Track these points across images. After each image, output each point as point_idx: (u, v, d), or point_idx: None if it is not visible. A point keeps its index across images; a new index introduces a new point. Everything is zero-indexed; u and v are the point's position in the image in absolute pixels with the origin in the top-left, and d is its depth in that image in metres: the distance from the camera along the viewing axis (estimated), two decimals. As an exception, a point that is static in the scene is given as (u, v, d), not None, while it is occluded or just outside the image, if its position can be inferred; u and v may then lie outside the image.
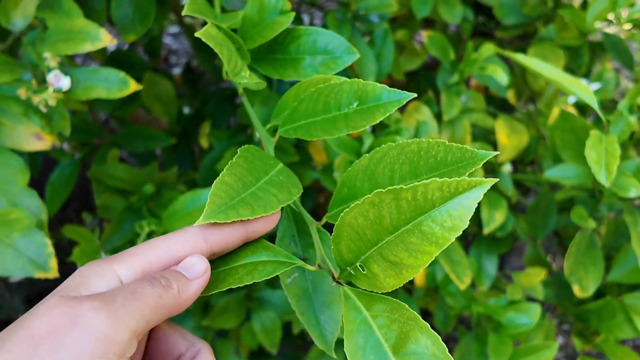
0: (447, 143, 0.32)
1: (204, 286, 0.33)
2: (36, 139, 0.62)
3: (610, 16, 0.95)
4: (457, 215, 0.27)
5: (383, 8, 0.90)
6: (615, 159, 0.62)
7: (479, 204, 0.76)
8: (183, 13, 0.41)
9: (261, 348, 0.96)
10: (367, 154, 0.35)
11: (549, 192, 0.88)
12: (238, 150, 0.37)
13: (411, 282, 0.99)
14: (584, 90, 0.66)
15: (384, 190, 0.28)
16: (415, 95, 0.38)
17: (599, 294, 0.83)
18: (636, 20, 0.86)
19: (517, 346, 0.78)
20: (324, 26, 0.86)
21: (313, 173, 0.94)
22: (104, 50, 0.89)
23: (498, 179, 0.28)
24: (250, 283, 0.32)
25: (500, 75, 0.85)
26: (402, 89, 0.40)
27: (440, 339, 0.28)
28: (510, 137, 0.93)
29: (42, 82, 0.57)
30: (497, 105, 1.22)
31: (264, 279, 0.33)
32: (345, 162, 0.70)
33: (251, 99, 0.86)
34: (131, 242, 0.78)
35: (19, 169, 0.58)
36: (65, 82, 0.55)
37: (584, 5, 1.13)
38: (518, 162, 1.04)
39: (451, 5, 1.05)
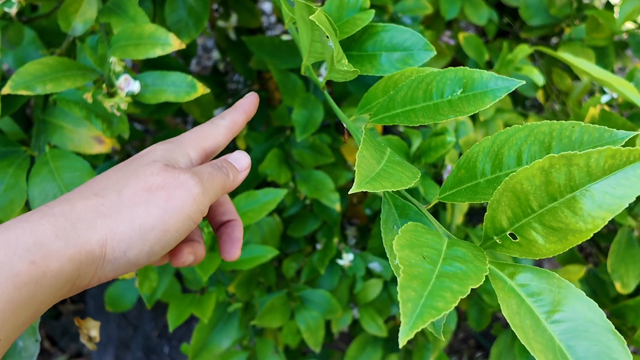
0: (583, 123, 0.32)
1: (245, 176, 0.44)
2: (97, 142, 0.63)
3: None
4: (628, 183, 0.28)
5: (418, 10, 0.91)
6: (666, 158, 0.63)
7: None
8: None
9: (297, 347, 0.97)
10: (489, 136, 0.36)
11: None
12: (362, 129, 0.38)
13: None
14: (631, 90, 0.67)
15: (556, 155, 0.29)
16: (524, 82, 0.38)
17: (636, 290, 0.84)
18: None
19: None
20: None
21: (348, 173, 0.95)
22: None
23: None
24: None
25: (536, 76, 0.86)
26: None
27: (597, 305, 0.29)
28: (542, 137, 0.95)
29: (110, 87, 0.57)
30: (520, 103, 1.23)
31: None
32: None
33: (291, 102, 0.87)
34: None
35: (85, 172, 0.59)
36: (135, 86, 0.56)
37: (607, 6, 1.15)
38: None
39: (477, 7, 1.06)
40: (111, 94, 0.57)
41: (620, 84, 0.68)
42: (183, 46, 0.55)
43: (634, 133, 0.31)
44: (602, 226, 0.29)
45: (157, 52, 0.55)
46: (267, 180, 0.87)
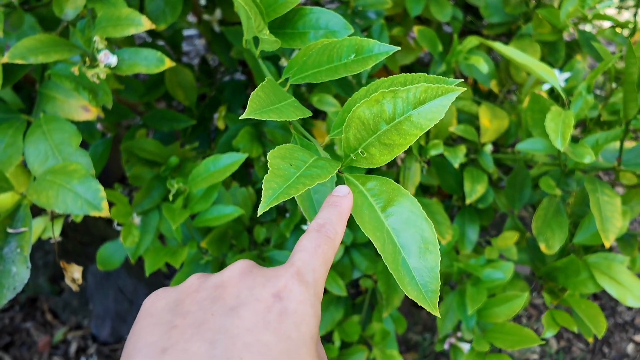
0: (427, 75, 0.43)
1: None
2: (84, 111, 0.74)
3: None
4: (436, 110, 0.38)
5: (379, 5, 1.02)
6: (570, 129, 0.73)
7: (463, 177, 0.88)
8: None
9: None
10: (365, 86, 0.46)
11: (525, 168, 0.99)
12: (266, 78, 0.48)
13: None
14: (548, 72, 0.78)
15: (386, 90, 0.39)
16: (399, 48, 0.49)
17: (565, 254, 0.94)
18: (600, 16, 0.98)
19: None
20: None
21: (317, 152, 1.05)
22: (132, 41, 1.01)
23: (466, 89, 0.39)
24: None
25: (482, 64, 0.97)
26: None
27: (416, 201, 0.40)
28: (492, 122, 1.05)
29: (93, 61, 0.69)
30: (483, 96, 1.33)
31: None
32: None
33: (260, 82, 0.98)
34: (158, 207, 0.90)
35: (73, 134, 0.70)
36: (113, 60, 0.67)
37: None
38: (500, 145, 1.16)
39: (442, 5, 1.17)
40: (94, 67, 0.68)
41: (539, 67, 0.78)
42: (154, 27, 0.67)
43: (459, 80, 0.42)
44: (414, 140, 0.39)
45: (132, 31, 0.66)
46: (241, 155, 0.97)
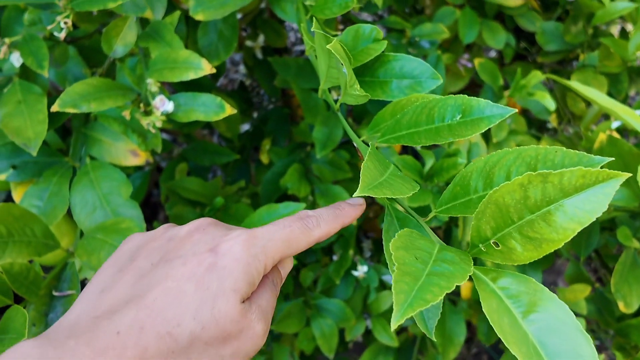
0: (565, 149, 0.36)
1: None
2: (133, 155, 0.69)
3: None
4: (596, 200, 0.31)
5: (435, 35, 0.96)
6: (664, 183, 0.67)
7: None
8: (313, 29, 0.46)
9: (312, 353, 1.01)
10: (482, 158, 0.40)
11: (593, 212, 0.92)
12: (369, 147, 0.42)
13: (457, 294, 1.04)
14: (635, 118, 0.71)
15: (533, 173, 0.32)
16: (516, 110, 0.43)
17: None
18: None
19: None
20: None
21: (365, 189, 0.99)
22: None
23: (631, 174, 0.32)
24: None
25: (548, 101, 0.90)
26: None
27: (567, 307, 0.33)
28: (553, 159, 0.98)
29: (146, 105, 0.63)
30: (536, 127, 1.27)
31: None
32: (410, 181, 0.76)
33: (312, 120, 0.92)
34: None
35: (122, 183, 0.64)
36: (169, 106, 0.61)
37: (623, 33, 1.18)
38: (559, 183, 1.09)
39: (495, 32, 1.11)
40: (147, 112, 0.62)
41: (625, 112, 0.72)
42: (214, 71, 0.61)
43: (609, 159, 0.35)
44: (572, 236, 0.33)
45: (190, 75, 0.60)
46: (288, 194, 0.91)
